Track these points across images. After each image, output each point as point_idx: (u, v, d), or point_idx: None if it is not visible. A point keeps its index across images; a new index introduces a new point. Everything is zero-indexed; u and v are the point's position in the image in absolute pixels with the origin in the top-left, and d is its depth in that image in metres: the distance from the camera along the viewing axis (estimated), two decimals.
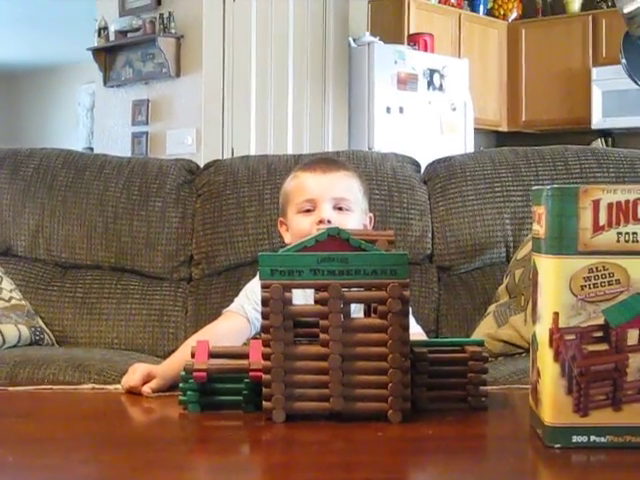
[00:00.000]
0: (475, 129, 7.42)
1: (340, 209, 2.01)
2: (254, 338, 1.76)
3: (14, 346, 2.51)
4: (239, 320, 1.93)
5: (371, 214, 2.17)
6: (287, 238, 2.07)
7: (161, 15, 6.15)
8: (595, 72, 7.76)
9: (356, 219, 2.02)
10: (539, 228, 1.18)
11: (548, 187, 1.16)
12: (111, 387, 1.63)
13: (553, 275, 1.14)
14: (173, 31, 6.13)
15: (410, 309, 1.34)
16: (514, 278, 2.51)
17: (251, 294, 1.97)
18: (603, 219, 1.13)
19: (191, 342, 1.70)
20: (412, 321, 1.78)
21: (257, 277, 2.03)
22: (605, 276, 1.13)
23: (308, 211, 2.01)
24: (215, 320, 2.00)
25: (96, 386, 1.67)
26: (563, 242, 1.13)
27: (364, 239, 1.35)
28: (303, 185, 2.03)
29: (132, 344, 2.70)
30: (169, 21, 6.11)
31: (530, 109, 8.20)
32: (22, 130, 11.94)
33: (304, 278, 1.29)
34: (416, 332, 1.90)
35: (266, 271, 1.29)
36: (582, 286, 1.13)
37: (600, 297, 1.13)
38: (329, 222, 1.94)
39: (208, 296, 2.76)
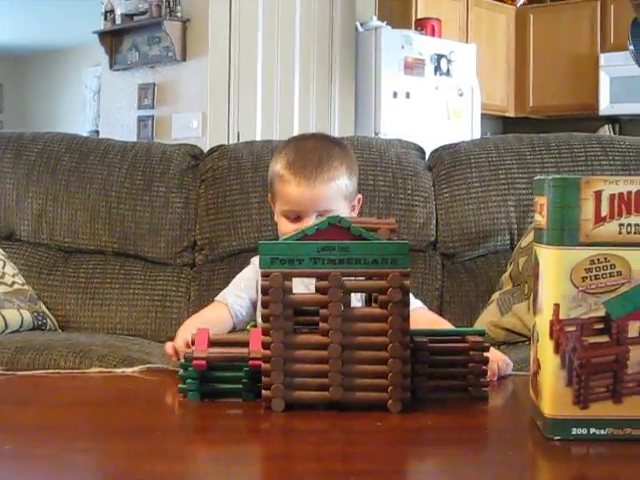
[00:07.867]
0: (482, 114, 7.41)
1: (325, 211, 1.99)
2: (254, 326, 1.76)
3: (16, 331, 2.52)
4: (221, 309, 2.00)
5: (359, 195, 2.09)
6: (276, 216, 2.06)
7: None
8: (603, 58, 7.73)
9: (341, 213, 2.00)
10: (541, 218, 1.17)
11: (550, 177, 1.15)
12: (109, 370, 1.63)
13: (554, 266, 1.13)
14: (179, 14, 6.12)
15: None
16: (518, 266, 2.50)
17: (239, 280, 2.05)
18: (605, 210, 1.12)
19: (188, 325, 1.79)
20: (411, 297, 1.77)
21: (249, 266, 2.07)
22: (607, 268, 1.12)
23: (293, 217, 2.00)
24: (204, 308, 2.08)
25: (103, 370, 1.68)
26: (564, 233, 1.12)
27: (365, 227, 1.34)
28: (288, 195, 1.98)
29: (135, 329, 2.70)
30: (175, 4, 6.10)
31: (537, 95, 8.18)
32: (29, 112, 11.94)
33: (304, 267, 1.29)
34: (417, 307, 1.89)
35: (266, 260, 1.28)
36: (583, 277, 1.12)
37: (601, 289, 1.12)
38: None
39: (211, 282, 2.76)
